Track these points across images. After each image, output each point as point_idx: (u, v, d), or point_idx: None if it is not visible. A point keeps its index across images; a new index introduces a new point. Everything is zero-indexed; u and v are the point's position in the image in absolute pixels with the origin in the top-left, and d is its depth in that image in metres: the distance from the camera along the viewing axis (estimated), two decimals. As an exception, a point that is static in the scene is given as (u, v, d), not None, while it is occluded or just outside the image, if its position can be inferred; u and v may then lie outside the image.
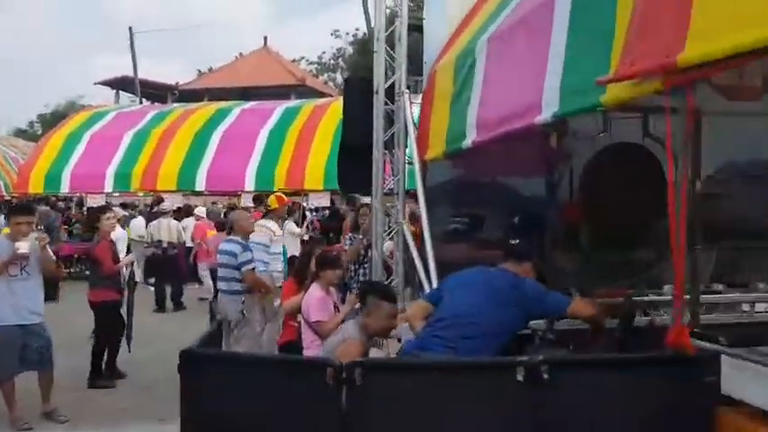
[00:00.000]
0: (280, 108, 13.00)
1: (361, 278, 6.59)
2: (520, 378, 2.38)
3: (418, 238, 5.30)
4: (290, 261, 7.98)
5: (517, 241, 4.16)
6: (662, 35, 2.58)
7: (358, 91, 5.88)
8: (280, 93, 25.30)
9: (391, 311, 3.77)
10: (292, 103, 14.80)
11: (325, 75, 39.90)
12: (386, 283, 5.62)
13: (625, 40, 2.84)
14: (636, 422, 2.48)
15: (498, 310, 3.54)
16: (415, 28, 6.06)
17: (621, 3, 2.92)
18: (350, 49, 37.11)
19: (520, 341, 3.71)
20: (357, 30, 34.86)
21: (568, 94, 3.34)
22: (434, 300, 3.93)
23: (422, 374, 2.51)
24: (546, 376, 2.35)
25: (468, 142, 4.53)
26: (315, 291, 5.04)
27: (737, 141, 6.09)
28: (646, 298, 6.09)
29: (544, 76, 3.56)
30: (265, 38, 35.13)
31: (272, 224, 8.08)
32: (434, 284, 4.72)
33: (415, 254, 5.15)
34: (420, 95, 5.70)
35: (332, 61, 40.21)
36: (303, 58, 40.58)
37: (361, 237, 6.73)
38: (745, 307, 6.42)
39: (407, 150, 5.72)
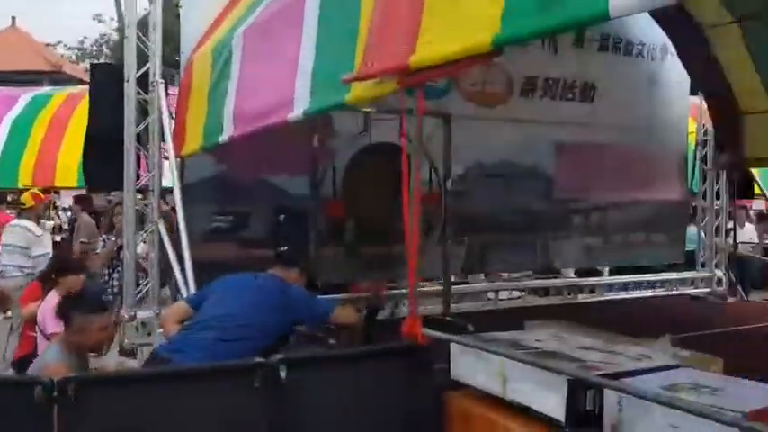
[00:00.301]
0: (26, 95, 11.58)
1: (116, 282, 6.10)
2: (258, 380, 2.31)
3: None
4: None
5: (285, 248, 4.21)
6: (397, 37, 2.68)
7: (107, 79, 5.41)
8: (31, 79, 22.63)
9: (102, 323, 3.52)
10: (41, 90, 13.29)
11: (87, 62, 36.68)
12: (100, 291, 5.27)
13: (366, 39, 2.90)
14: (374, 412, 2.53)
15: (262, 314, 3.57)
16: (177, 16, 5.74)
17: (365, 1, 2.99)
18: (115, 36, 34.54)
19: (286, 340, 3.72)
20: (124, 15, 32.46)
21: (318, 92, 3.36)
22: (195, 303, 3.83)
23: (146, 384, 2.32)
24: (284, 375, 2.31)
25: (224, 137, 4.39)
26: (53, 299, 4.51)
27: (485, 143, 6.69)
28: (404, 290, 6.44)
29: (296, 73, 3.54)
30: (13, 18, 31.40)
31: (29, 224, 7.12)
32: (191, 286, 4.53)
33: (171, 254, 4.86)
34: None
35: (94, 48, 37.11)
36: (60, 42, 36.99)
37: (114, 238, 6.22)
38: (491, 295, 7.10)
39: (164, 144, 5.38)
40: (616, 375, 2.30)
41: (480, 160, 6.74)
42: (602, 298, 7.37)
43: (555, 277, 7.70)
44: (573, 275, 8.21)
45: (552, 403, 2.27)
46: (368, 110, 5.33)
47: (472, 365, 2.57)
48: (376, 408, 2.55)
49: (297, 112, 3.50)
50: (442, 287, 5.89)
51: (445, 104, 6.25)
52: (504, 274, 7.85)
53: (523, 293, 7.23)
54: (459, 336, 2.61)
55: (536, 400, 2.33)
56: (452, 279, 7.13)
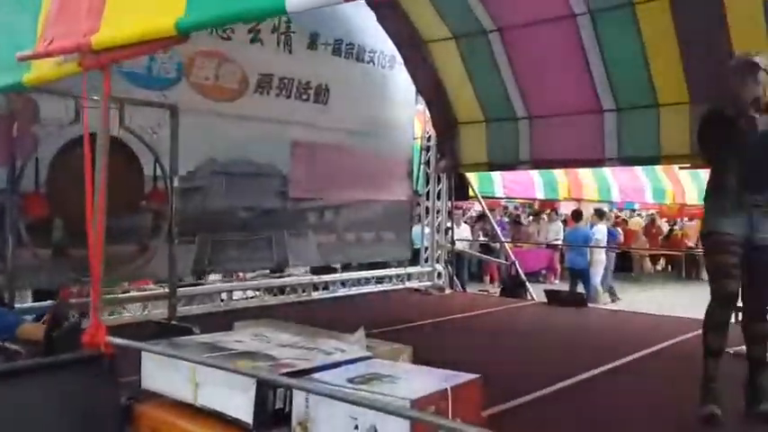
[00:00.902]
0: None
1: None
2: None
3: None
4: None
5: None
6: (80, 14, 2.41)
7: None
8: None
9: None
10: None
11: None
12: None
13: (47, 15, 2.58)
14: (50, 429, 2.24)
15: None
16: None
17: (48, -27, 2.65)
18: None
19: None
20: None
21: (-6, 70, 2.92)
22: None
23: None
24: None
25: None
26: None
27: (218, 139, 6.48)
28: (120, 295, 5.99)
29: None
30: None
31: None
32: None
33: None
34: None
35: None
36: None
37: None
38: (224, 296, 6.91)
39: None
40: (308, 371, 2.31)
41: (213, 156, 6.52)
42: (335, 294, 7.61)
43: (289, 275, 7.77)
44: (308, 273, 8.36)
45: (242, 405, 2.20)
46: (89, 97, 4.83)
47: (164, 373, 2.41)
48: (49, 429, 2.26)
49: (-31, 91, 3.01)
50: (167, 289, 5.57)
51: (173, 96, 5.94)
52: (241, 273, 7.72)
53: (258, 293, 7.16)
54: (146, 342, 2.41)
55: (226, 405, 2.24)
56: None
